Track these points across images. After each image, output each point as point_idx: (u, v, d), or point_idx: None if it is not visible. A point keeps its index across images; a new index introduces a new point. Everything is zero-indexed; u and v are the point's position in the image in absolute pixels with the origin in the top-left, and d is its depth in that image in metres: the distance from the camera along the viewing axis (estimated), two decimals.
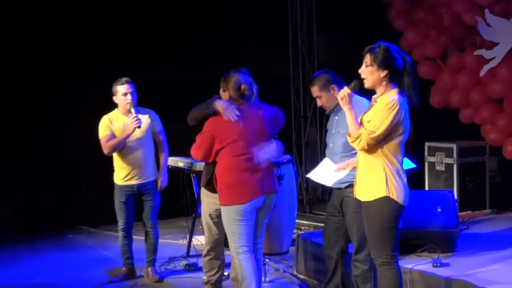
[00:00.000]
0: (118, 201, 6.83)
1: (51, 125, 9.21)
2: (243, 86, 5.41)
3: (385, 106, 4.61)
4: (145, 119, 6.70)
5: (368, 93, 4.97)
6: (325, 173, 5.36)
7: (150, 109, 6.89)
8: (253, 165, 5.39)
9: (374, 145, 4.64)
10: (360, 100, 5.31)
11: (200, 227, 7.70)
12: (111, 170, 9.09)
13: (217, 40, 9.83)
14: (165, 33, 9.64)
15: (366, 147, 4.64)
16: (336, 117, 5.54)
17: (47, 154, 9.25)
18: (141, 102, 6.85)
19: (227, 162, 5.39)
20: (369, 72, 4.71)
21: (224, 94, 5.53)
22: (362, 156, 4.78)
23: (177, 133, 9.22)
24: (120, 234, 6.91)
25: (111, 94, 9.24)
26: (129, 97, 6.68)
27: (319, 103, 5.60)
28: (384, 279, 4.77)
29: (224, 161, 5.40)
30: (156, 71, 9.54)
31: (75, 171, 9.32)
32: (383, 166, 4.67)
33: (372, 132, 4.59)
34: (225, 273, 6.28)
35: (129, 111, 6.65)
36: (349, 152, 5.27)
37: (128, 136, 6.59)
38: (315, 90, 5.54)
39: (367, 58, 4.71)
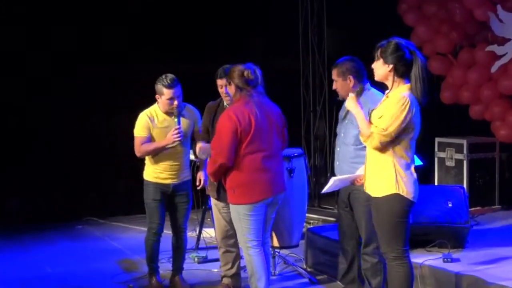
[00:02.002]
0: (152, 199, 6.18)
1: (53, 120, 9.25)
2: (245, 72, 5.40)
3: (397, 103, 4.60)
4: (185, 122, 6.12)
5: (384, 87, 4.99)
6: (337, 183, 5.28)
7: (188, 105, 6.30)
8: (266, 163, 5.37)
9: (388, 143, 4.63)
10: (376, 94, 5.33)
11: (209, 219, 7.74)
12: (115, 163, 9.16)
13: (224, 33, 9.81)
14: (166, 30, 9.60)
15: (379, 146, 4.62)
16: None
17: (55, 147, 9.28)
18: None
19: (242, 160, 5.31)
20: (377, 66, 4.75)
21: (230, 88, 5.49)
22: (371, 151, 4.78)
23: None
24: (152, 237, 6.26)
25: (110, 93, 9.30)
26: (175, 103, 6.04)
27: (334, 86, 5.63)
28: (395, 274, 4.77)
29: (239, 159, 5.32)
30: (157, 70, 9.50)
31: (83, 163, 9.34)
32: (393, 162, 4.66)
33: (384, 129, 4.58)
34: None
35: (172, 114, 6.09)
36: (361, 144, 5.25)
37: (164, 147, 6.06)
38: (333, 73, 5.60)
39: (377, 52, 4.74)
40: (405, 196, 4.64)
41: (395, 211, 4.67)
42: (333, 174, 5.66)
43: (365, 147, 5.14)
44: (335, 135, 5.75)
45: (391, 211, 4.68)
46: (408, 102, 4.57)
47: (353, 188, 5.36)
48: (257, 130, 5.31)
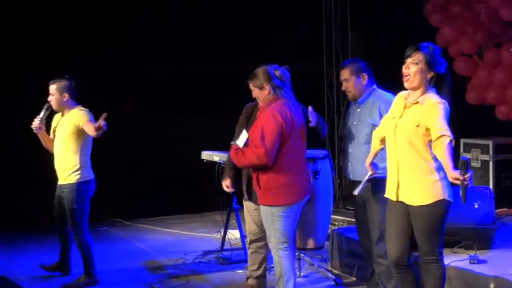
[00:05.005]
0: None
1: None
2: (277, 72, 5.37)
3: (439, 107, 4.50)
4: (64, 122, 6.62)
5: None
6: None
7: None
8: (302, 164, 5.37)
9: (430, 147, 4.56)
10: (385, 94, 5.53)
11: (234, 221, 7.74)
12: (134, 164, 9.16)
13: (249, 35, 9.81)
14: (189, 28, 9.62)
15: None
16: (359, 110, 5.63)
17: None
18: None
19: (281, 160, 5.24)
20: (418, 70, 4.57)
21: (262, 92, 5.36)
22: (405, 158, 4.65)
23: (208, 129, 9.26)
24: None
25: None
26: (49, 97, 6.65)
27: (344, 86, 5.69)
28: (431, 276, 4.73)
29: (278, 159, 5.24)
30: (181, 67, 9.54)
31: (105, 165, 9.37)
32: (431, 168, 4.58)
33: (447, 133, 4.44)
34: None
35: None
36: None
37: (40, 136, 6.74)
38: (345, 73, 5.65)
39: (417, 55, 4.58)
40: (447, 199, 4.62)
41: (440, 217, 4.64)
42: (346, 176, 5.74)
43: None
44: (345, 136, 5.76)
45: (436, 217, 4.64)
46: (446, 104, 4.54)
47: (366, 190, 5.35)
48: (296, 130, 5.30)
